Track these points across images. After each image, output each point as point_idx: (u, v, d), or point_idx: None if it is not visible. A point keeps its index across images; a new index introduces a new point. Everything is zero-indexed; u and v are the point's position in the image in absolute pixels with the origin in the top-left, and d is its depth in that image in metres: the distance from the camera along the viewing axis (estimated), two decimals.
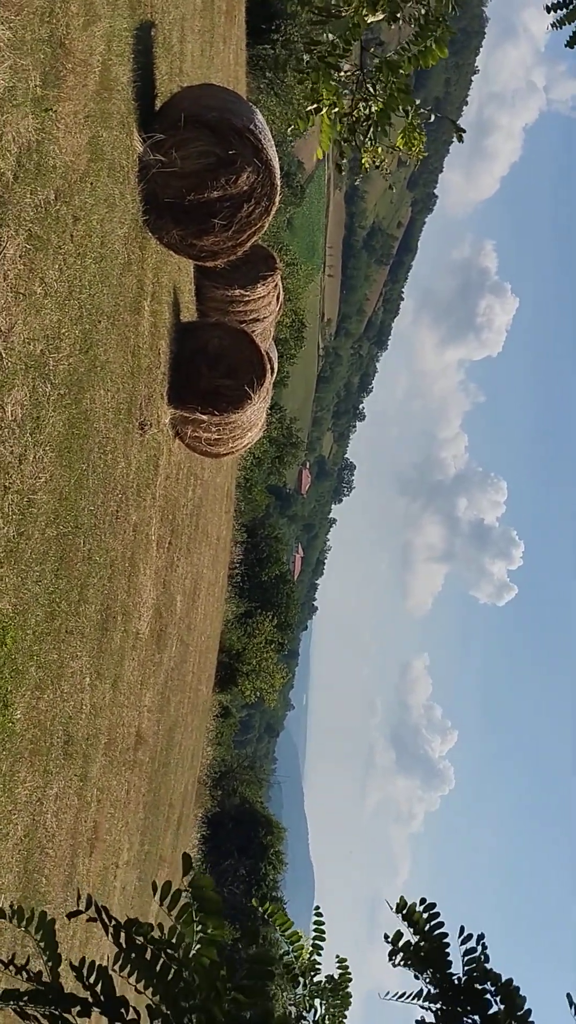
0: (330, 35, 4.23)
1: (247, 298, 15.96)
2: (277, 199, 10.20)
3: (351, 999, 3.81)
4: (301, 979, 3.88)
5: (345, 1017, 3.92)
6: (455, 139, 5.51)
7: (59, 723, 7.90)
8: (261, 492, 56.44)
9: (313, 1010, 3.87)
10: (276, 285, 16.82)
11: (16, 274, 5.88)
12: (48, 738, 7.53)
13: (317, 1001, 3.89)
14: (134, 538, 11.01)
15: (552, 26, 4.28)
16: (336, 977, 3.86)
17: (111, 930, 2.66)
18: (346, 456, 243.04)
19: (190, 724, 24.04)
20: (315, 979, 3.88)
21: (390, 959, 3.46)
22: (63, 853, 8.37)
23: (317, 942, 3.89)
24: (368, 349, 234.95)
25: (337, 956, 3.91)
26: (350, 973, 3.85)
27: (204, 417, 12.96)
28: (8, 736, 6.33)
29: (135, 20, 9.18)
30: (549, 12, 4.34)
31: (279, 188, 10.22)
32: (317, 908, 4.06)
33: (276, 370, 21.69)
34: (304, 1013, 3.77)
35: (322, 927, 3.98)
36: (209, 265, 11.43)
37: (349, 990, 3.85)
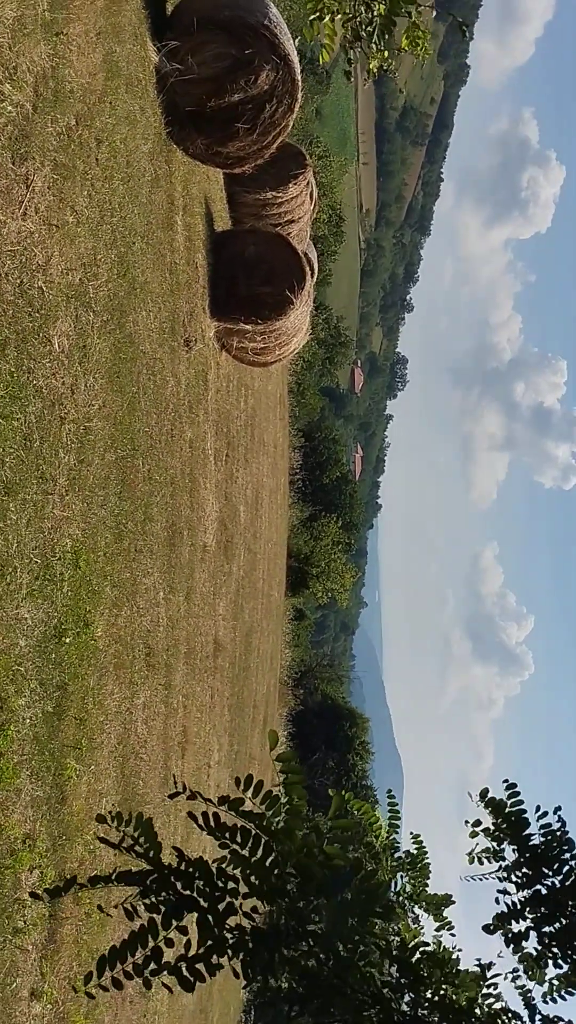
0: None
1: (280, 200, 15.66)
2: (299, 95, 9.92)
3: (430, 870, 4.10)
4: (382, 856, 4.18)
5: (427, 886, 4.23)
6: (461, 34, 5.34)
7: (139, 637, 8.28)
8: (314, 395, 56.14)
9: (396, 882, 4.18)
10: (308, 182, 16.44)
11: (47, 206, 5.94)
12: (130, 652, 7.92)
13: (399, 875, 4.20)
14: (191, 454, 11.21)
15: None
16: (414, 852, 4.15)
17: (205, 810, 2.93)
18: (397, 350, 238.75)
19: (265, 628, 24.70)
20: (395, 856, 4.17)
21: (469, 855, 3.73)
22: (156, 757, 8.87)
23: (393, 822, 4.18)
24: (411, 236, 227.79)
25: (411, 832, 4.19)
26: (426, 848, 4.13)
27: (248, 327, 12.94)
28: (92, 652, 6.69)
29: None
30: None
31: (300, 83, 9.94)
32: (390, 791, 4.33)
33: (316, 271, 21.36)
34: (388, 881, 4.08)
35: (396, 808, 4.25)
36: (237, 171, 11.25)
37: (427, 861, 4.14)
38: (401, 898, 4.08)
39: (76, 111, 6.60)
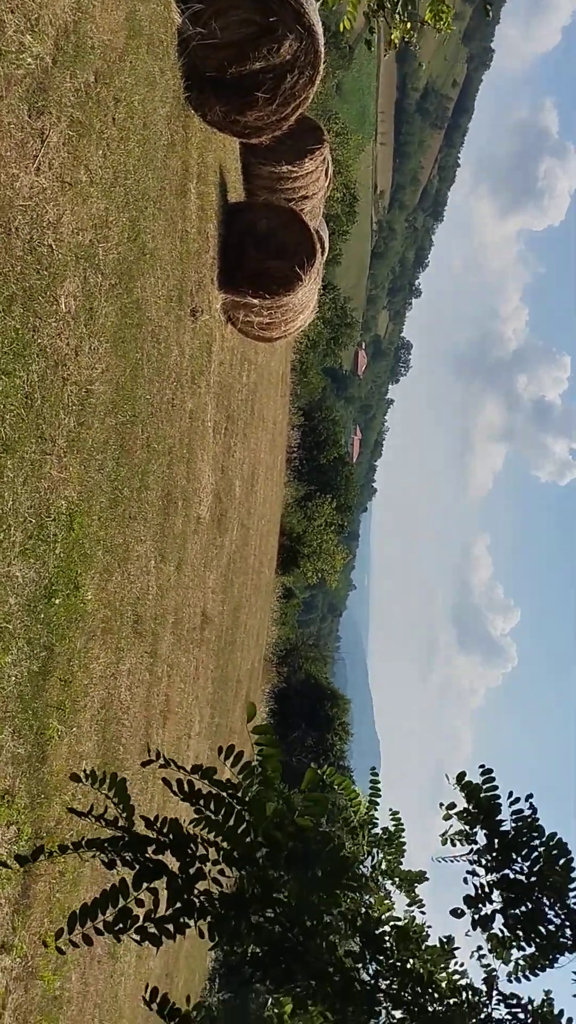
0: None
1: (295, 174, 15.55)
2: (321, 68, 9.83)
3: (405, 848, 4.15)
4: (359, 831, 4.22)
5: (401, 863, 4.28)
6: (485, 13, 5.28)
7: (128, 604, 8.29)
8: (316, 375, 55.96)
9: (371, 857, 4.23)
10: (325, 159, 16.31)
11: (61, 162, 5.89)
12: (118, 618, 7.93)
13: (375, 850, 4.25)
14: (190, 425, 11.19)
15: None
16: (391, 829, 4.20)
17: (180, 777, 2.95)
18: (402, 335, 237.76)
19: (254, 604, 24.76)
20: (372, 831, 4.22)
21: (443, 837, 3.77)
22: (138, 724, 8.91)
23: (373, 799, 4.21)
24: (423, 221, 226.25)
25: (391, 810, 4.24)
26: (403, 825, 4.17)
27: (255, 301, 12.88)
28: (80, 616, 6.70)
29: None
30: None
31: (323, 56, 9.83)
32: (373, 768, 4.37)
33: (327, 249, 21.25)
34: (362, 858, 4.12)
35: (378, 785, 4.29)
36: (254, 142, 11.16)
37: (403, 839, 4.19)
38: (375, 873, 4.12)
39: (96, 68, 6.53)
